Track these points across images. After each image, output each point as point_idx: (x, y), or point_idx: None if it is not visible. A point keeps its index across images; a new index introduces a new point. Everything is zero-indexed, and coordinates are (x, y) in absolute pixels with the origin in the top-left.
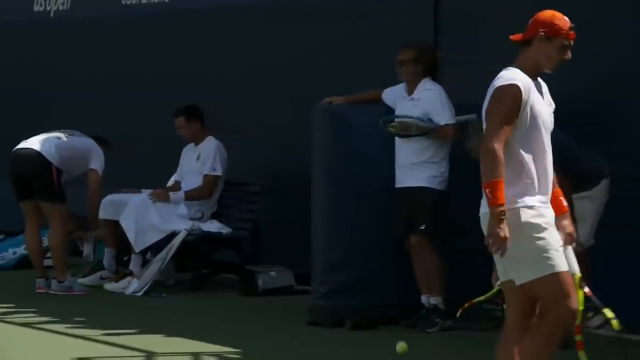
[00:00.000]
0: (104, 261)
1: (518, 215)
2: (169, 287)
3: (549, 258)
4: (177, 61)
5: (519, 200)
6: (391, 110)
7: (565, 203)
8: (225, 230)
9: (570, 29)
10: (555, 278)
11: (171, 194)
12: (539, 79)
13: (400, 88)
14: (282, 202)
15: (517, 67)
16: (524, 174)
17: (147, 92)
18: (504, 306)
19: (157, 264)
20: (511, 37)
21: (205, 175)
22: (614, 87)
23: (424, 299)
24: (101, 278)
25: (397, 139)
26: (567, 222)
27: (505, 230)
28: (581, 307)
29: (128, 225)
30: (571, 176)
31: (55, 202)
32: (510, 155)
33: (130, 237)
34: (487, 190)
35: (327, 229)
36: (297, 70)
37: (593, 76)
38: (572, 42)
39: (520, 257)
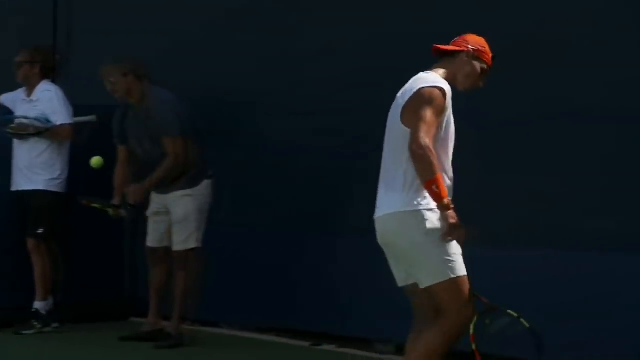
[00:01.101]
0: None
1: (423, 219)
2: None
3: (450, 262)
4: None
5: (425, 203)
6: (11, 113)
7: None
8: None
9: (493, 59)
10: (455, 282)
11: None
12: None
13: (21, 91)
14: None
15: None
16: None
17: None
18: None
19: None
20: (436, 45)
21: None
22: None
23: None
24: None
25: (15, 141)
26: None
27: (457, 219)
28: None
29: None
30: None
31: None
32: None
33: None
34: (432, 187)
35: None
36: None
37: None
38: (489, 71)
39: (424, 261)
